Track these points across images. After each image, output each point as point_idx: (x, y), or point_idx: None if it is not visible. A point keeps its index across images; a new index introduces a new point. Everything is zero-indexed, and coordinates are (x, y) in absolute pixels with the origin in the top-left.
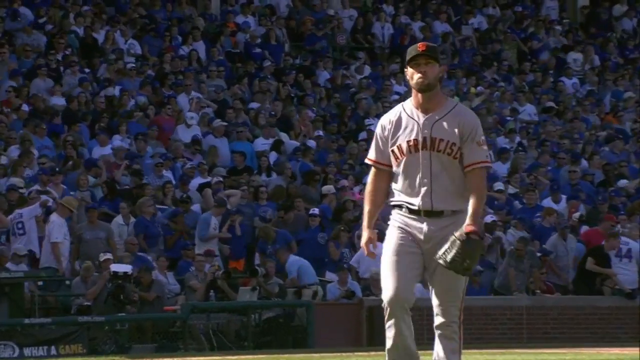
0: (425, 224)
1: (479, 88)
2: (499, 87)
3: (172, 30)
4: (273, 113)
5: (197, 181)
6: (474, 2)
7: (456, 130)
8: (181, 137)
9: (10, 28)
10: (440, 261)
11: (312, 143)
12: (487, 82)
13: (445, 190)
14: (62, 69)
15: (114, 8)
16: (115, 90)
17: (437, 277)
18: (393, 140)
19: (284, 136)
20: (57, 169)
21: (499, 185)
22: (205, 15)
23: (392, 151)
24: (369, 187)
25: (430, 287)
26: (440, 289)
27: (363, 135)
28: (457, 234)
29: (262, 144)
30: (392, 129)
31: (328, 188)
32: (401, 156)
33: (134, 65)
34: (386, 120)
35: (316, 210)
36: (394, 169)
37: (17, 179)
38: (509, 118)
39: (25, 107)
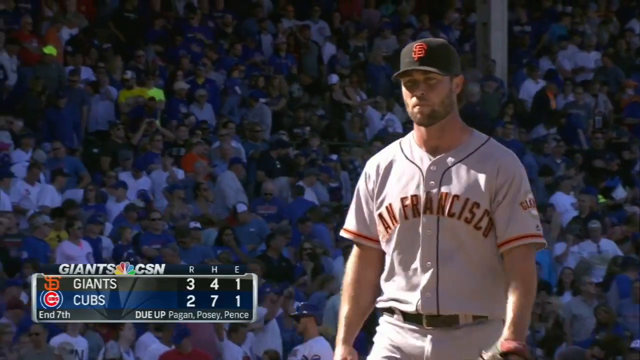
0: (428, 340)
1: None
2: None
3: None
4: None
5: None
6: None
7: (483, 182)
8: None
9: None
10: None
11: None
12: None
13: (461, 281)
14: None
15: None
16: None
17: None
18: (380, 198)
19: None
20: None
21: None
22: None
23: (380, 215)
24: (347, 278)
25: None
26: None
27: None
28: (486, 355)
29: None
30: (379, 180)
31: None
32: (392, 224)
33: None
34: (372, 165)
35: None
36: (383, 245)
37: None
38: None
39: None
